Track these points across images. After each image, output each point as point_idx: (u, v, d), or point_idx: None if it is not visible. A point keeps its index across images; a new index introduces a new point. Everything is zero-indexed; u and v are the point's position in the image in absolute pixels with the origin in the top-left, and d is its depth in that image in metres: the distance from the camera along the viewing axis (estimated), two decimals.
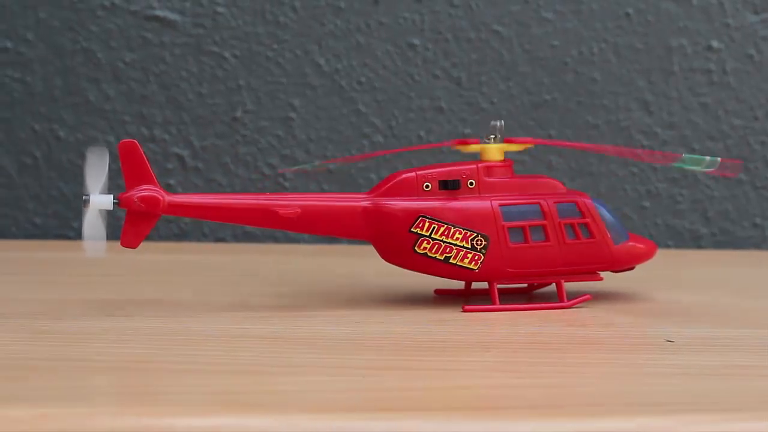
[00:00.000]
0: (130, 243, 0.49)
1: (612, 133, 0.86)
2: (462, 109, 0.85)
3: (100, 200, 0.47)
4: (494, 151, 0.52)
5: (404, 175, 0.51)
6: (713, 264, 0.77)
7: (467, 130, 0.85)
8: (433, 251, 0.49)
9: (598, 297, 0.54)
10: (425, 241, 0.49)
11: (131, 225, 0.48)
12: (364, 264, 0.68)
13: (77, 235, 0.85)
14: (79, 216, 0.85)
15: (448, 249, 0.49)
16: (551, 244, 0.50)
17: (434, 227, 0.49)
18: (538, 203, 0.50)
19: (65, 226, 0.85)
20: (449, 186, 0.50)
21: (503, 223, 0.50)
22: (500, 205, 0.50)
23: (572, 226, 0.50)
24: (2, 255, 0.74)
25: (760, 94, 0.86)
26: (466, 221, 0.49)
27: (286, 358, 0.39)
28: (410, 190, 0.50)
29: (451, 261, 0.50)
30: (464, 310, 0.50)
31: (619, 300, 0.53)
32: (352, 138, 0.85)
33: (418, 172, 0.50)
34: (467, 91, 0.85)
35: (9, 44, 0.83)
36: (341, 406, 0.33)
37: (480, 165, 0.51)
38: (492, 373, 0.38)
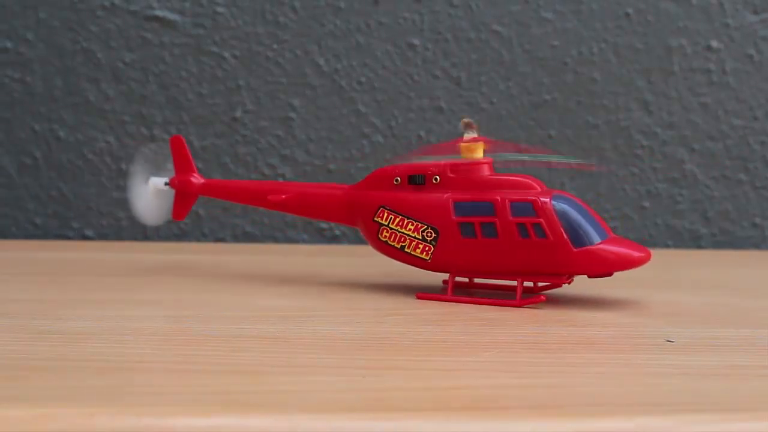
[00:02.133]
0: (177, 216, 0.62)
1: (612, 133, 0.86)
2: (462, 109, 0.85)
3: (156, 181, 0.61)
4: (470, 148, 0.53)
5: (381, 170, 0.55)
6: (713, 264, 0.76)
7: None
8: (391, 239, 0.54)
9: (597, 297, 0.54)
10: (385, 230, 0.54)
11: (177, 202, 0.62)
12: (363, 264, 0.68)
13: (77, 234, 0.85)
14: (78, 216, 0.85)
15: (403, 238, 0.53)
16: (501, 241, 0.50)
17: (391, 218, 0.54)
18: (492, 200, 0.51)
19: (65, 226, 0.85)
20: (415, 181, 0.54)
21: (454, 217, 0.52)
22: (453, 201, 0.52)
23: (525, 225, 0.50)
24: (2, 255, 0.74)
25: (760, 94, 0.86)
26: (419, 214, 0.53)
27: (286, 358, 0.39)
28: (383, 183, 0.55)
29: (405, 250, 0.53)
30: (418, 297, 0.54)
31: (618, 300, 0.53)
32: (352, 138, 0.85)
33: (395, 168, 0.55)
34: (467, 91, 0.85)
35: (9, 44, 0.83)
36: (341, 406, 0.32)
37: (448, 162, 0.53)
38: (492, 373, 0.38)
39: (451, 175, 0.53)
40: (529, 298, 0.51)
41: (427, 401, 0.33)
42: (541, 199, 0.50)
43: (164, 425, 0.30)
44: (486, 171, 0.53)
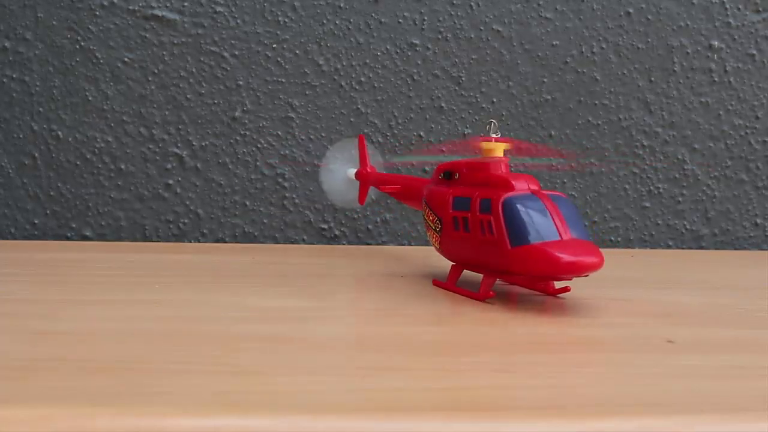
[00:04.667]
0: (359, 201, 0.73)
1: (612, 132, 0.86)
2: (462, 109, 0.85)
3: (350, 172, 0.73)
4: (487, 147, 0.55)
5: (439, 165, 0.60)
6: (713, 264, 0.76)
7: (467, 130, 0.85)
8: (426, 228, 0.59)
9: (597, 297, 0.54)
10: (425, 220, 0.58)
11: (360, 190, 0.72)
12: (363, 264, 0.68)
13: (76, 235, 0.85)
14: (77, 216, 0.85)
15: (428, 228, 0.58)
16: (471, 236, 0.52)
17: (426, 209, 0.58)
18: (471, 197, 0.52)
19: (64, 226, 0.85)
20: (447, 176, 0.57)
21: (451, 211, 0.54)
22: (453, 196, 0.54)
23: (483, 221, 0.50)
24: (2, 255, 0.73)
25: (761, 94, 0.86)
26: (436, 206, 0.56)
27: (286, 358, 0.39)
28: (436, 177, 0.59)
29: (431, 238, 0.58)
30: (433, 283, 0.58)
31: (618, 300, 0.53)
32: (352, 138, 0.85)
33: (443, 165, 0.59)
34: (467, 90, 0.85)
35: (7, 44, 0.83)
36: (341, 406, 0.32)
37: (465, 160, 0.56)
38: (492, 373, 0.38)
39: (466, 172, 0.55)
40: (488, 292, 0.52)
41: (427, 401, 0.33)
42: (499, 195, 0.50)
43: (164, 425, 0.30)
44: (501, 169, 0.54)
